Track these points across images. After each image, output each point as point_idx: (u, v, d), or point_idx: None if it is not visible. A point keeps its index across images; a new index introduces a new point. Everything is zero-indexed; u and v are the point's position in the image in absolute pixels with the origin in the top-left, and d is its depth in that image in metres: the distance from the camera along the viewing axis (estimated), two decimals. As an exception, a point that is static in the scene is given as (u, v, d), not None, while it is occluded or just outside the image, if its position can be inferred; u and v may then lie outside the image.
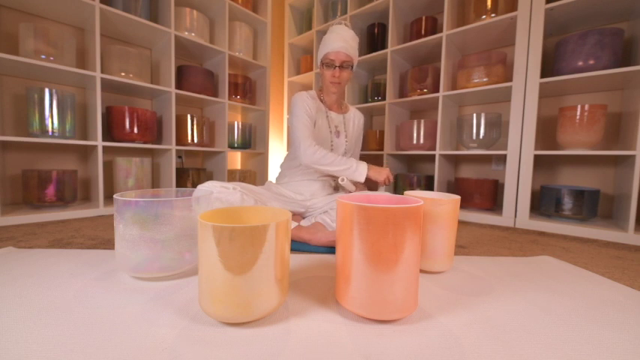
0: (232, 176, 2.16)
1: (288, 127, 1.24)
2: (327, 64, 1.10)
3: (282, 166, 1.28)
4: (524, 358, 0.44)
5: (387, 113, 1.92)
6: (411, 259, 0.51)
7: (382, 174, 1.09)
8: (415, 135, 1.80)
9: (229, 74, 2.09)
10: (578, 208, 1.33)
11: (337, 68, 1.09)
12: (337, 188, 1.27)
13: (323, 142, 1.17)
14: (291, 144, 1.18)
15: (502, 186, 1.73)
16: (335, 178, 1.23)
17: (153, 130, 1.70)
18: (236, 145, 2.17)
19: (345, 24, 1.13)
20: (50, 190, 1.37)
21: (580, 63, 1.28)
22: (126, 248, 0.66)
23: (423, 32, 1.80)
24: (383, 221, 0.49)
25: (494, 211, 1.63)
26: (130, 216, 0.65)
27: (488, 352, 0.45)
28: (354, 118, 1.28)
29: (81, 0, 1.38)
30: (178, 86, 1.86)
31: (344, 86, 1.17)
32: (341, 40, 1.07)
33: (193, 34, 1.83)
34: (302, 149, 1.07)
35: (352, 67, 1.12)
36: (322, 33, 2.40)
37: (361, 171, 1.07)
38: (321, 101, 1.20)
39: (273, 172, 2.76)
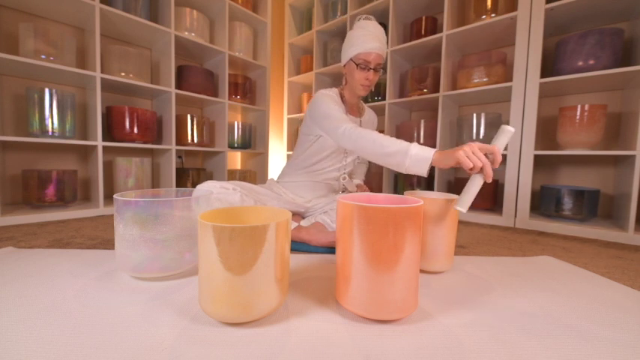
0: (232, 176, 2.16)
1: (300, 128, 1.17)
2: (361, 65, 0.99)
3: (286, 165, 1.24)
4: (524, 358, 0.44)
5: (387, 113, 1.92)
6: (411, 259, 0.51)
7: (461, 154, 0.67)
8: (415, 135, 1.80)
9: (229, 74, 2.09)
10: (578, 208, 1.33)
11: (372, 71, 1.00)
12: (343, 192, 1.21)
13: (337, 150, 1.11)
14: (297, 145, 1.15)
15: (502, 186, 1.73)
16: (340, 182, 1.17)
17: (153, 130, 1.70)
18: (236, 145, 2.17)
19: (372, 19, 1.02)
20: (50, 190, 1.37)
21: (580, 63, 1.28)
22: (126, 248, 0.66)
23: (423, 32, 1.80)
24: (383, 221, 0.49)
25: (494, 211, 1.63)
26: (130, 216, 0.65)
27: (488, 352, 0.45)
28: (370, 121, 1.22)
29: (81, 0, 1.38)
30: (178, 86, 1.86)
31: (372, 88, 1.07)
32: (375, 39, 0.97)
33: (193, 34, 1.83)
34: (341, 130, 0.90)
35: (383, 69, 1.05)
36: (322, 33, 2.40)
37: (421, 157, 0.73)
38: (342, 102, 1.13)
39: (273, 172, 2.76)
